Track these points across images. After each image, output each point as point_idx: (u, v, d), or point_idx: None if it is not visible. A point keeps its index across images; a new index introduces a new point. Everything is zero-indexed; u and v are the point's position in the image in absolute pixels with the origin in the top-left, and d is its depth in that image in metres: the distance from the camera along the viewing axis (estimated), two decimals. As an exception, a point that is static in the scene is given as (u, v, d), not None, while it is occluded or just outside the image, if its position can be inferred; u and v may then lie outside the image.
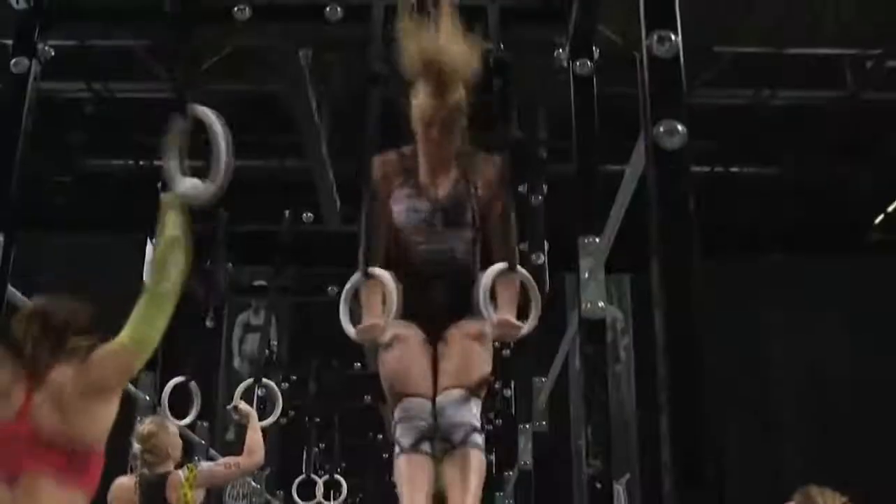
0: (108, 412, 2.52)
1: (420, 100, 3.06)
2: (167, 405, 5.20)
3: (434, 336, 3.09)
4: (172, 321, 5.42)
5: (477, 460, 2.91)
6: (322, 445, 9.96)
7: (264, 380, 6.30)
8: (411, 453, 2.91)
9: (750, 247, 12.14)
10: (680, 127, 2.00)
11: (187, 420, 5.41)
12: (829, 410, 11.25)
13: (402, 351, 3.03)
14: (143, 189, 6.93)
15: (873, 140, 10.52)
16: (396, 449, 2.97)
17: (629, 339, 12.35)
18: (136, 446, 4.80)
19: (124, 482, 4.77)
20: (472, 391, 2.98)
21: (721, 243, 11.17)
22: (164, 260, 2.57)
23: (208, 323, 6.21)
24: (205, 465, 5.13)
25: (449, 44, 2.96)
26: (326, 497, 9.05)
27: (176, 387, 5.30)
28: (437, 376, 3.02)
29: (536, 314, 3.06)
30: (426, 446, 2.94)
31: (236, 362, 12.43)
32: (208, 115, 2.65)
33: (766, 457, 10.93)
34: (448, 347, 3.05)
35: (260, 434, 5.25)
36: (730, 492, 10.04)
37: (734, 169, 11.25)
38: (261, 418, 5.56)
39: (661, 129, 1.99)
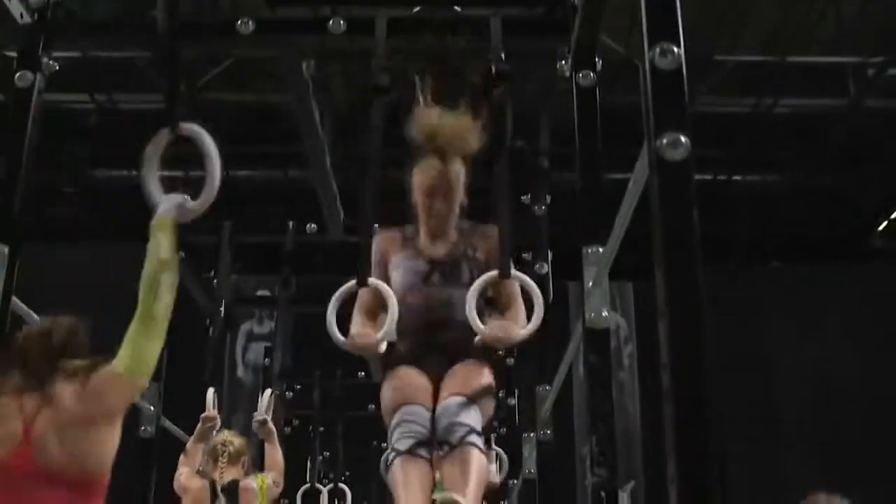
0: (112, 439, 2.50)
1: (421, 171, 3.22)
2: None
3: (435, 376, 3.14)
4: (176, 332, 5.44)
5: (476, 459, 2.90)
6: (326, 454, 9.96)
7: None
8: (407, 457, 2.91)
9: (753, 255, 12.14)
10: (683, 139, 2.01)
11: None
12: (834, 417, 11.24)
13: (402, 378, 3.10)
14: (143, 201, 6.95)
15: (876, 147, 10.52)
16: (392, 454, 2.97)
17: (632, 346, 12.35)
18: (213, 451, 5.31)
19: (195, 481, 5.20)
20: (472, 398, 3.01)
21: (724, 251, 11.18)
22: (156, 281, 2.54)
23: (212, 332, 6.21)
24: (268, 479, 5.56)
25: (450, 118, 3.15)
26: (331, 506, 9.05)
27: (178, 395, 5.35)
28: (438, 394, 3.06)
29: (539, 315, 3.08)
30: (423, 451, 2.94)
31: (240, 371, 12.44)
32: (200, 133, 2.62)
33: (772, 464, 10.91)
34: (449, 376, 3.11)
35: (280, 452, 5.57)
36: (735, 500, 10.03)
37: (737, 177, 11.25)
38: None
39: (665, 141, 2.00)
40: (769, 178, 11.42)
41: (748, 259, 12.04)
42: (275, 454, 5.64)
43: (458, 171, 3.24)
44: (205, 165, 2.55)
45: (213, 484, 5.22)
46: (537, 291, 3.13)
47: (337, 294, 3.12)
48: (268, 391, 6.25)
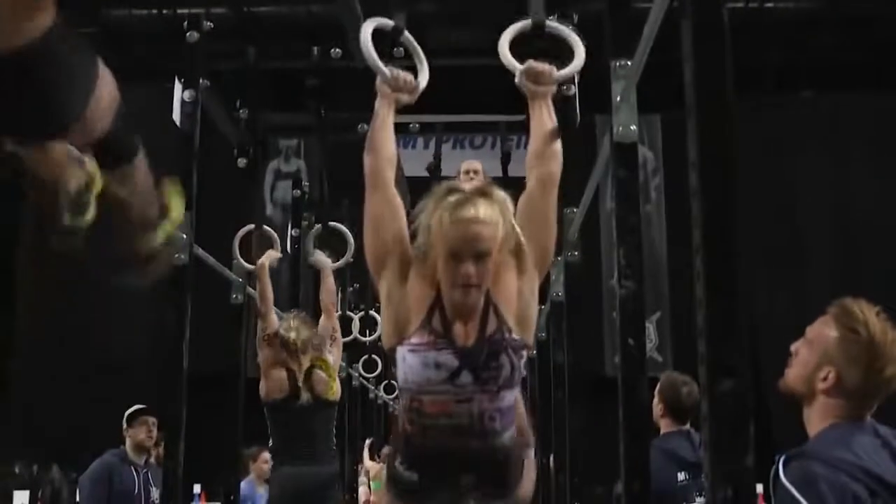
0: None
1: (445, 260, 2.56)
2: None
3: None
4: (207, 164, 5.45)
5: None
6: (356, 285, 10.12)
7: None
8: None
9: (784, 84, 11.97)
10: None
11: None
12: (856, 245, 11.28)
13: None
14: (169, 37, 6.90)
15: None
16: None
17: (660, 178, 12.33)
18: (286, 344, 5.78)
19: (277, 371, 5.84)
20: None
21: (754, 82, 11.01)
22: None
23: (240, 164, 6.24)
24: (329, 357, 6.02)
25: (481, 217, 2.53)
26: (362, 333, 9.26)
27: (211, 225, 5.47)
28: None
29: (581, 59, 3.01)
30: None
31: (269, 209, 12.56)
32: None
33: (796, 290, 11.02)
34: None
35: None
36: (760, 325, 10.16)
37: (769, 4, 10.99)
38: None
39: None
40: (801, 4, 11.15)
41: (778, 89, 11.87)
42: (329, 283, 6.18)
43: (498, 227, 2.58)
44: None
45: (291, 373, 5.80)
46: (575, 38, 3.04)
47: (368, 27, 2.94)
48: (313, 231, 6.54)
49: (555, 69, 2.93)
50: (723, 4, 2.00)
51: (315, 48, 6.17)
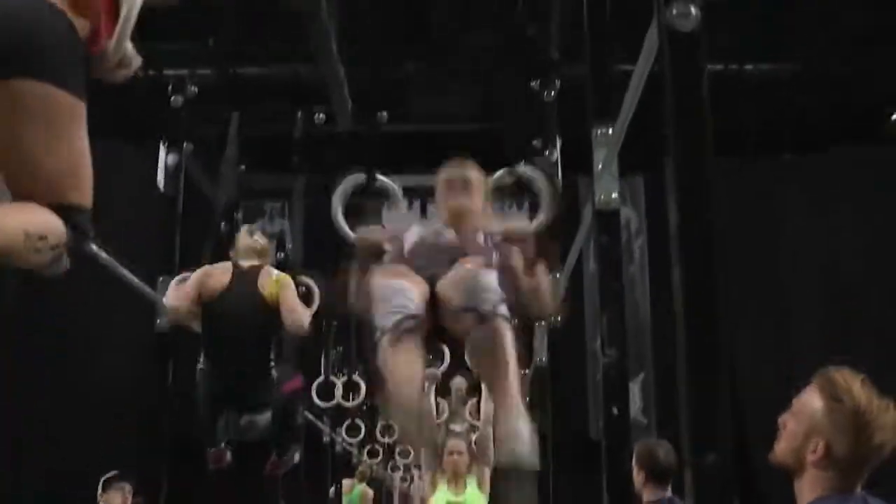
0: None
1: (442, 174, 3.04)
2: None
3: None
4: (189, 227, 5.42)
5: (509, 339, 2.68)
6: (340, 349, 10.08)
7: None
8: (394, 335, 2.71)
9: (766, 145, 12.06)
10: (693, 9, 1.98)
11: None
12: (844, 306, 11.29)
13: (392, 270, 2.89)
14: (155, 98, 6.91)
15: (889, 31, 10.35)
16: (378, 334, 2.77)
17: (643, 239, 12.36)
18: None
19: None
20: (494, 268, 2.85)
21: (736, 142, 11.10)
22: None
23: (223, 227, 6.23)
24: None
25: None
26: (345, 398, 9.20)
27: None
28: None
29: (549, 208, 3.05)
30: (411, 323, 2.73)
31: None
32: None
33: (781, 353, 11.00)
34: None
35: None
36: (744, 386, 10.13)
37: (748, 66, 11.11)
38: None
39: (675, 10, 1.97)
40: (782, 66, 11.27)
41: (761, 149, 11.96)
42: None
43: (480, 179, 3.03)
44: None
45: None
46: (546, 185, 3.08)
47: (341, 188, 3.08)
48: None
49: (528, 228, 3.03)
50: (703, 71, 2.02)
51: (299, 112, 6.21)
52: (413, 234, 2.98)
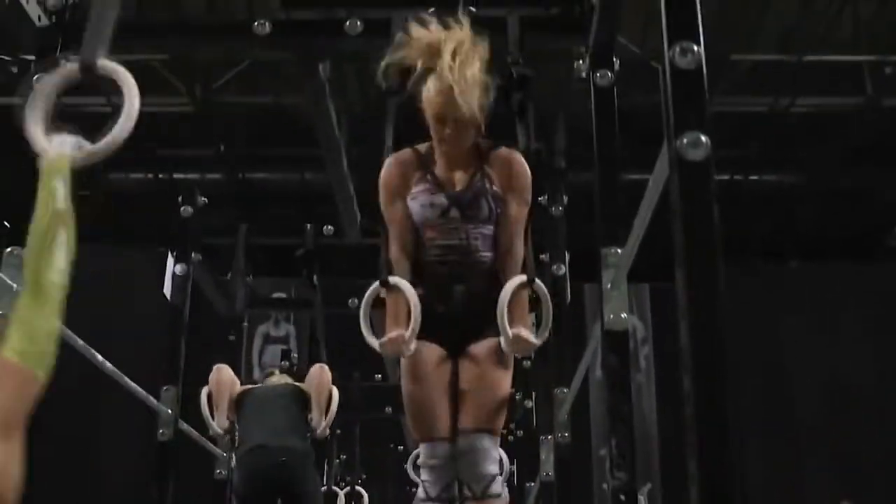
0: (15, 458, 1.71)
1: (432, 95, 3.02)
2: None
3: (455, 347, 3.07)
4: (194, 333, 5.43)
5: None
6: (343, 457, 9.97)
7: None
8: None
9: (770, 254, 12.09)
10: (704, 138, 2.00)
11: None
12: (851, 419, 11.17)
13: (422, 383, 3.03)
14: (164, 203, 6.97)
15: (893, 146, 10.47)
16: (421, 493, 3.01)
17: (649, 348, 12.30)
18: None
19: None
20: (495, 433, 3.00)
21: (740, 251, 11.13)
22: (49, 240, 1.91)
23: (230, 337, 6.21)
24: None
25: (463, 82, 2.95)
26: (348, 509, 9.05)
27: (197, 398, 5.33)
28: (459, 406, 3.02)
29: (547, 326, 3.04)
30: (447, 493, 3.00)
31: (256, 373, 12.44)
32: (115, 67, 1.98)
33: (787, 466, 10.85)
34: (469, 371, 3.04)
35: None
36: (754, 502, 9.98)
37: (753, 177, 11.21)
38: None
39: (685, 140, 1.99)
40: (786, 177, 11.37)
41: (765, 258, 11.99)
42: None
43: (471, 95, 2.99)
44: (124, 101, 1.86)
45: None
46: (549, 304, 3.07)
47: (365, 299, 3.08)
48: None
49: (534, 338, 2.99)
50: (712, 199, 2.02)
51: (308, 225, 6.25)
52: (416, 210, 3.11)
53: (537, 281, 3.03)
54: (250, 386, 5.31)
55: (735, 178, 11.00)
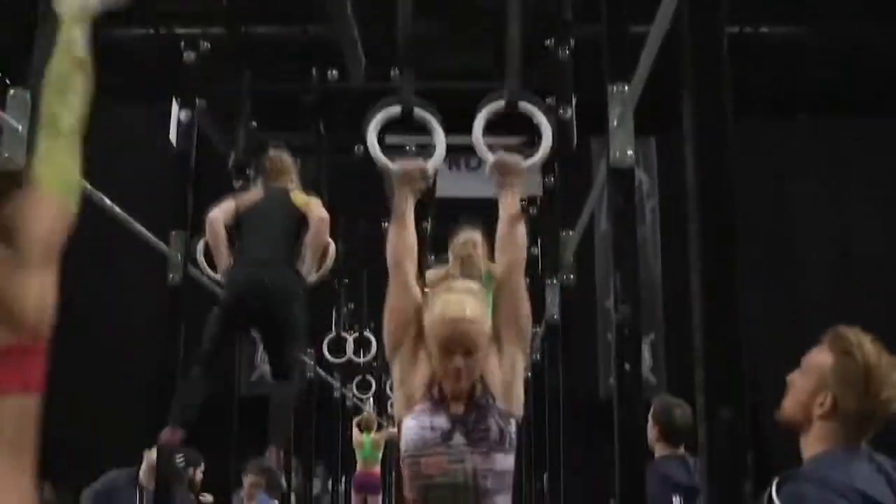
0: (51, 285, 1.88)
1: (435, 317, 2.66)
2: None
3: None
4: (202, 184, 5.46)
5: None
6: (351, 305, 10.09)
7: None
8: None
9: (780, 109, 12.00)
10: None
11: None
12: (855, 273, 11.28)
13: None
14: (166, 57, 6.89)
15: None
16: None
17: (655, 201, 12.33)
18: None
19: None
20: None
21: (750, 106, 11.04)
22: (68, 86, 2.06)
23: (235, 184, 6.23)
24: None
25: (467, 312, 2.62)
26: (356, 353, 9.23)
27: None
28: None
29: (547, 145, 3.02)
30: None
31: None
32: None
33: (790, 319, 11.00)
34: None
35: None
36: (755, 350, 10.14)
37: (764, 29, 11.02)
38: None
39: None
40: (797, 30, 11.18)
41: (774, 113, 11.90)
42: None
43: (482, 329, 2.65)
44: None
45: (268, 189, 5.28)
46: (545, 119, 3.04)
47: (377, 116, 3.02)
48: None
49: (522, 161, 2.92)
50: (722, 29, 2.01)
51: (313, 69, 6.18)
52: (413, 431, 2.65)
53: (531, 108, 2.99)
54: (251, 202, 5.15)
55: (745, 31, 10.81)
